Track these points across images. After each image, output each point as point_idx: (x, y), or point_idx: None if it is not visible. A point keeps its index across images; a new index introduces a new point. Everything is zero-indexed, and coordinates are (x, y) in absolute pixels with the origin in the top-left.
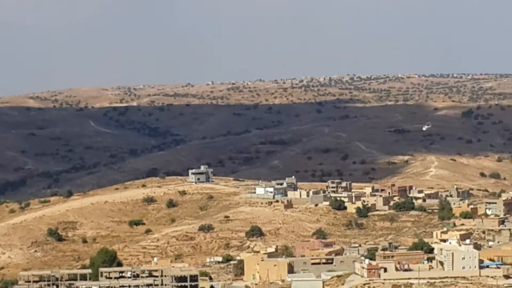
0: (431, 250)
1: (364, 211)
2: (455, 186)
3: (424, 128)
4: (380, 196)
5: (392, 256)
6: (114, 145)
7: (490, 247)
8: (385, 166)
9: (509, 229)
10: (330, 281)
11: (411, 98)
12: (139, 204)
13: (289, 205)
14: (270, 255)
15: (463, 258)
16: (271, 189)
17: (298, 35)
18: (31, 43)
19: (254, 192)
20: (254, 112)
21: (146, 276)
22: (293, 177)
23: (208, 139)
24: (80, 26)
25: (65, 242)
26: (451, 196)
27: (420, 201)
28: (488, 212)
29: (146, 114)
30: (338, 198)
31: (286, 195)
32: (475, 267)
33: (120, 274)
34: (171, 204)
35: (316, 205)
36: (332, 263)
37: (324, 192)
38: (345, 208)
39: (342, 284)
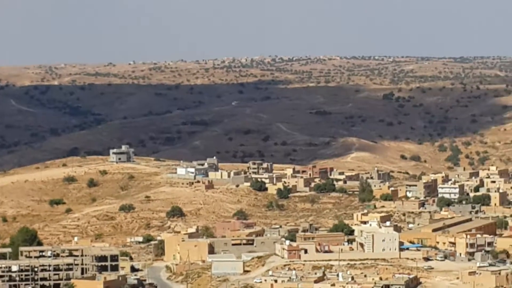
0: (351, 232)
1: (285, 193)
2: (375, 168)
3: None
4: (301, 177)
5: (313, 238)
6: (35, 124)
7: (410, 229)
8: (306, 148)
9: (429, 212)
10: (250, 262)
11: (332, 80)
12: (59, 183)
13: (210, 185)
14: (190, 235)
15: (383, 240)
16: (192, 170)
17: (220, 15)
18: None
19: (175, 173)
20: (176, 92)
21: (67, 256)
22: (214, 157)
23: (129, 119)
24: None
25: None
26: (371, 178)
27: (341, 183)
28: (409, 194)
29: (67, 93)
30: (259, 179)
31: (207, 175)
32: (395, 249)
33: (40, 253)
34: (92, 183)
35: (237, 186)
36: (252, 244)
37: (245, 173)
38: (266, 189)
39: (263, 265)
